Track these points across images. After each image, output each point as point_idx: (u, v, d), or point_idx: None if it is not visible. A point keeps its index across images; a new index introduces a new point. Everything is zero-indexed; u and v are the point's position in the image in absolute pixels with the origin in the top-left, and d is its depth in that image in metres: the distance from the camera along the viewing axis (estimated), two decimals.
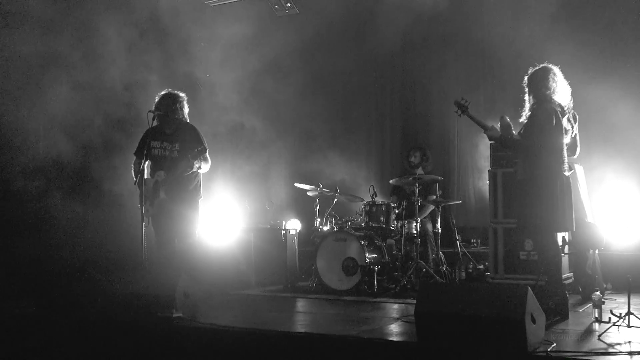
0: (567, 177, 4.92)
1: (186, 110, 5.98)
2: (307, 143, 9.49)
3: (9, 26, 6.91)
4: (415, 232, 6.77)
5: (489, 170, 6.46)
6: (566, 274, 5.85)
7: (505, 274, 6.17)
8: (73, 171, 7.57)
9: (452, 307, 3.76)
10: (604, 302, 4.64)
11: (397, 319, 4.95)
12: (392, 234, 6.97)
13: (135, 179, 5.74)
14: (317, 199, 7.38)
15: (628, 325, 4.32)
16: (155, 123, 5.79)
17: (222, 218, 8.52)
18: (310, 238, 7.51)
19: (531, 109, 5.05)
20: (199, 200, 5.92)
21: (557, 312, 4.77)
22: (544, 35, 7.15)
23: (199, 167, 5.76)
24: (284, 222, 7.99)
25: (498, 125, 5.12)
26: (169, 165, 5.73)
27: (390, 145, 9.19)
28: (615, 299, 5.73)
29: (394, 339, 4.27)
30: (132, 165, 5.94)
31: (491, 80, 8.42)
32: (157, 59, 7.73)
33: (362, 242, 6.54)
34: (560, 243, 5.05)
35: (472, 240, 7.73)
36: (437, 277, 6.62)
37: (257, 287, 7.21)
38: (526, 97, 5.14)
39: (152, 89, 6.63)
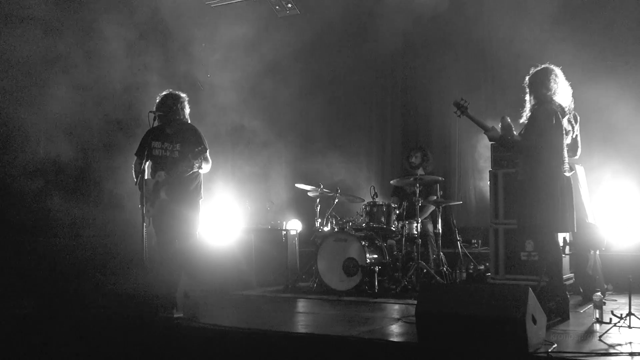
0: (568, 177, 4.92)
1: (187, 110, 5.98)
2: (308, 143, 9.50)
3: (10, 27, 6.91)
4: (416, 232, 6.77)
5: (489, 171, 6.46)
6: (567, 275, 5.85)
7: (506, 275, 6.16)
8: (74, 171, 7.58)
9: (452, 307, 3.76)
10: (604, 303, 4.63)
11: (397, 320, 4.95)
12: (393, 235, 6.97)
13: (136, 180, 5.74)
14: (318, 200, 7.38)
15: (629, 326, 4.32)
16: (156, 123, 5.78)
17: (223, 218, 8.52)
18: (310, 238, 7.51)
19: (531, 110, 5.05)
20: (200, 201, 5.91)
21: (558, 313, 4.77)
22: (544, 36, 7.15)
23: (200, 167, 5.76)
24: (284, 223, 8.00)
25: (499, 126, 5.12)
26: (170, 166, 5.73)
27: (390, 145, 9.20)
28: (616, 300, 5.72)
29: (395, 339, 4.27)
30: (133, 165, 5.94)
31: (491, 81, 8.42)
32: (158, 59, 7.74)
33: (363, 243, 6.53)
34: (561, 244, 5.05)
35: (472, 241, 7.73)
36: (438, 278, 6.62)
37: (258, 288, 7.21)
38: (527, 97, 5.14)
39: (153, 90, 6.64)
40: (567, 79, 5.11)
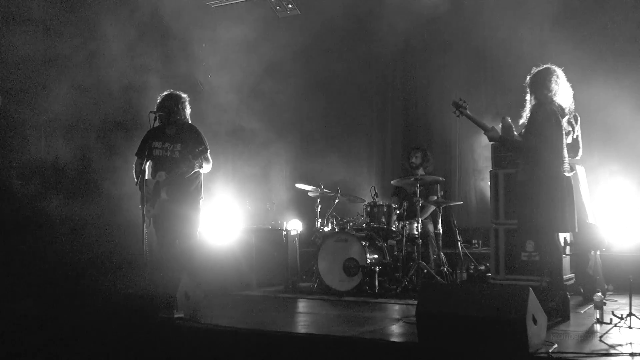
0: (568, 177, 4.92)
1: (188, 111, 5.98)
2: (309, 144, 9.51)
3: (10, 27, 6.92)
4: (416, 232, 6.77)
5: (490, 171, 6.45)
6: (567, 275, 5.85)
7: (507, 275, 6.16)
8: (74, 172, 7.58)
9: (453, 308, 3.76)
10: (605, 303, 4.63)
11: (398, 320, 4.95)
12: (394, 235, 6.97)
13: (136, 180, 5.75)
14: (318, 200, 7.38)
15: (629, 327, 4.32)
16: (157, 123, 5.79)
17: (223, 219, 8.52)
18: (311, 239, 7.51)
19: (531, 110, 5.05)
20: (200, 201, 5.92)
21: (559, 313, 4.77)
22: (544, 37, 7.16)
23: (200, 167, 5.76)
24: (285, 223, 7.99)
25: (499, 127, 5.12)
26: (170, 166, 5.73)
27: (391, 146, 9.19)
28: (616, 300, 5.72)
29: (395, 339, 4.27)
30: (134, 165, 5.95)
31: (491, 82, 8.41)
32: (158, 59, 7.74)
33: (363, 243, 6.53)
34: (561, 244, 5.04)
35: (473, 241, 7.72)
36: (439, 278, 6.62)
37: (258, 288, 7.21)
38: (527, 97, 5.14)
39: (153, 90, 6.64)
40: (567, 79, 5.11)
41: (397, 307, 5.71)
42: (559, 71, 5.07)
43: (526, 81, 5.16)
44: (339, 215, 7.26)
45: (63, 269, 6.61)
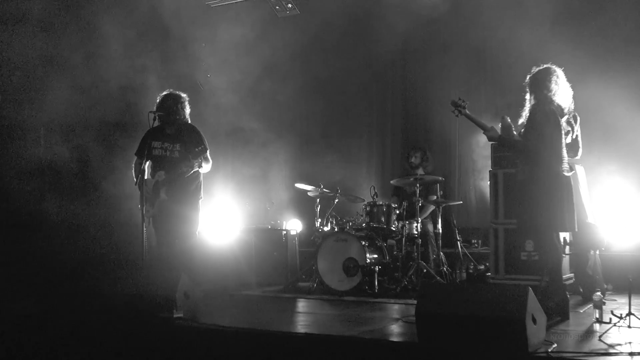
0: (568, 177, 4.92)
1: (187, 110, 5.98)
2: (308, 143, 9.51)
3: (9, 27, 6.91)
4: (416, 232, 6.77)
5: (489, 171, 6.45)
6: (567, 275, 5.85)
7: (506, 275, 6.16)
8: (73, 172, 7.57)
9: (453, 307, 3.76)
10: (604, 303, 4.63)
11: (397, 320, 4.95)
12: (393, 235, 6.97)
13: (135, 180, 5.75)
14: (318, 200, 7.38)
15: (629, 326, 4.32)
16: (156, 123, 5.80)
17: (223, 218, 8.52)
18: (311, 238, 7.51)
19: (530, 110, 5.05)
20: (200, 201, 5.92)
21: (558, 313, 4.77)
22: (543, 37, 7.15)
23: (200, 166, 5.76)
24: (284, 223, 8.00)
25: (499, 126, 5.12)
26: (170, 166, 5.74)
27: (390, 145, 9.19)
28: (615, 300, 5.72)
29: (395, 339, 4.28)
30: (133, 165, 5.95)
31: (491, 82, 8.41)
32: (158, 59, 7.74)
33: (363, 243, 6.53)
34: (561, 244, 5.05)
35: (472, 241, 7.72)
36: (438, 278, 6.62)
37: (258, 288, 7.21)
38: (527, 96, 5.14)
39: (153, 90, 6.64)
40: (566, 79, 5.11)
41: (396, 306, 5.71)
42: (559, 71, 5.07)
43: (526, 81, 5.16)
44: (339, 215, 7.26)
45: (62, 269, 6.61)
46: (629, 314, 4.38)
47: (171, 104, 5.86)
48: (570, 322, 4.69)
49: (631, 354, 3.62)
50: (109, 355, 4.55)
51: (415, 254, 6.65)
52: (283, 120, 9.43)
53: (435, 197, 7.13)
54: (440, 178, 7.10)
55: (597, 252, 5.95)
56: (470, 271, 6.85)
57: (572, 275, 6.06)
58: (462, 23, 8.27)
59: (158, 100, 5.92)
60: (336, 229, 7.01)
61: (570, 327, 4.52)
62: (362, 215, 7.07)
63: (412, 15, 7.84)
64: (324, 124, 9.42)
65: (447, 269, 6.84)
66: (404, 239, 6.80)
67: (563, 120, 5.03)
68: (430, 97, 8.56)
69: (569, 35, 7.06)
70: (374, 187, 7.18)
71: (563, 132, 5.00)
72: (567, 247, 5.53)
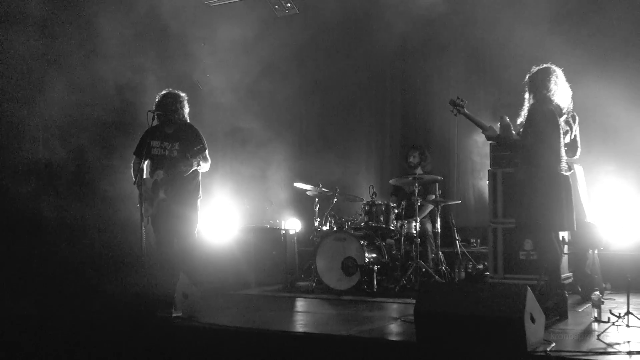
0: (566, 176, 4.92)
1: (186, 110, 5.98)
2: (307, 143, 9.51)
3: (7, 26, 6.90)
4: (414, 231, 6.77)
5: (488, 170, 6.46)
6: (565, 274, 5.86)
7: (505, 274, 6.17)
8: (71, 171, 7.57)
9: (451, 306, 3.76)
10: (603, 302, 4.64)
11: (396, 319, 4.95)
12: (392, 234, 6.97)
13: (134, 179, 5.74)
14: (317, 199, 7.38)
15: (627, 325, 4.33)
16: (155, 123, 5.79)
17: (222, 218, 8.52)
18: (309, 238, 7.51)
19: (529, 110, 5.05)
20: (199, 200, 5.92)
21: (557, 312, 4.77)
22: (542, 36, 7.15)
23: (198, 165, 5.76)
24: (283, 222, 7.99)
25: (497, 126, 5.12)
26: (169, 165, 5.73)
27: (389, 145, 9.19)
28: (614, 299, 5.73)
29: (394, 338, 4.27)
30: (132, 165, 5.94)
31: (490, 82, 8.41)
32: (157, 58, 7.73)
33: (362, 242, 6.54)
34: (560, 243, 5.05)
35: (471, 240, 7.73)
36: (437, 277, 6.63)
37: (257, 287, 7.21)
38: (526, 95, 5.14)
39: (152, 89, 6.63)
40: (565, 78, 5.11)
41: (395, 306, 5.71)
42: (558, 71, 5.07)
43: (525, 80, 5.16)
44: (338, 215, 7.26)
45: (61, 269, 6.60)
46: (628, 313, 4.38)
47: (170, 103, 5.85)
48: (568, 322, 4.69)
49: (629, 353, 3.62)
50: (108, 354, 4.55)
51: (414, 253, 6.65)
52: (282, 120, 9.42)
53: (434, 197, 7.13)
54: (439, 177, 7.11)
55: (596, 252, 5.95)
56: (469, 270, 6.85)
57: (570, 274, 6.07)
58: (461, 23, 8.27)
59: (157, 100, 5.92)
60: (335, 229, 7.01)
61: (569, 327, 4.52)
62: (360, 215, 7.07)
63: (410, 15, 7.84)
64: (323, 124, 9.42)
65: (445, 269, 6.84)
66: (402, 239, 6.80)
67: (562, 120, 5.03)
68: (428, 97, 8.57)
69: (568, 35, 7.07)
70: (372, 187, 7.18)
71: (562, 131, 5.00)
72: (566, 247, 5.53)
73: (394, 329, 4.58)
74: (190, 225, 5.82)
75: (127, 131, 7.06)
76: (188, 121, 5.98)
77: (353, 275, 6.49)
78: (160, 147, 5.84)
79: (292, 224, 8.08)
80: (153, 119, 5.74)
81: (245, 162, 9.25)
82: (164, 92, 5.96)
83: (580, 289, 5.89)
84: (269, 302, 6.23)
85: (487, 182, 6.49)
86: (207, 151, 5.79)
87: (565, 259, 5.84)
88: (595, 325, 4.47)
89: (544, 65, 5.12)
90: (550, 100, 4.96)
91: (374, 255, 6.61)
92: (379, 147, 9.27)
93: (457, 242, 7.18)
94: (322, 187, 7.32)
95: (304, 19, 9.09)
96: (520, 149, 5.02)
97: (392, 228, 6.88)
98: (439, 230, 6.93)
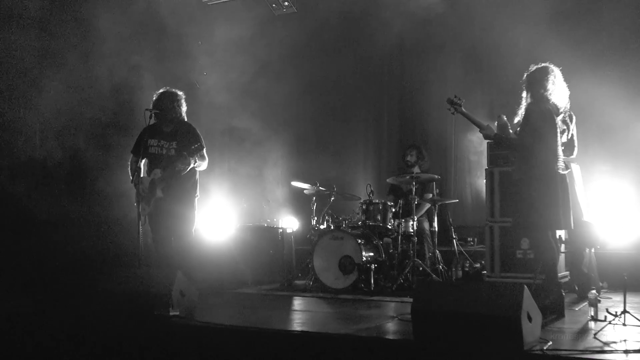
0: (563, 175, 4.93)
1: (184, 108, 5.98)
2: (304, 142, 9.50)
3: (4, 25, 6.88)
4: (412, 230, 6.77)
5: (485, 169, 6.46)
6: (562, 273, 5.87)
7: (502, 273, 6.17)
8: (68, 170, 7.55)
9: (448, 305, 3.76)
10: (599, 301, 4.65)
11: (393, 318, 4.95)
12: (389, 233, 6.97)
13: (132, 178, 5.74)
14: (314, 198, 7.38)
15: (624, 324, 4.33)
16: (152, 121, 5.79)
17: (219, 216, 8.52)
18: (307, 236, 7.51)
19: (526, 108, 5.05)
20: (196, 199, 5.92)
21: (553, 311, 4.78)
22: (539, 36, 7.16)
23: (196, 164, 5.76)
24: (280, 221, 8.00)
25: (494, 124, 5.12)
26: (166, 164, 5.73)
27: (387, 144, 9.20)
28: (611, 298, 5.75)
29: (391, 337, 4.28)
30: (129, 163, 5.94)
31: (487, 81, 8.42)
32: (154, 57, 7.72)
33: (359, 241, 6.54)
34: (557, 242, 5.06)
35: (468, 239, 7.74)
36: (434, 276, 6.63)
37: (254, 286, 7.21)
38: (523, 94, 5.15)
39: (149, 88, 6.62)
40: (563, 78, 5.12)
41: (392, 304, 5.72)
42: (556, 70, 5.07)
43: (523, 79, 5.16)
44: (335, 213, 7.26)
45: (58, 267, 6.59)
46: (624, 311, 4.38)
47: (167, 102, 5.85)
48: (565, 320, 4.70)
49: (626, 351, 3.63)
50: (105, 353, 4.55)
51: (411, 252, 6.66)
52: (279, 118, 9.42)
53: (431, 195, 7.14)
54: (436, 176, 7.11)
55: (593, 250, 5.97)
56: (466, 269, 6.86)
57: (567, 273, 6.08)
58: (458, 22, 8.27)
59: (154, 98, 5.91)
60: (332, 227, 7.01)
61: (566, 325, 4.53)
62: (358, 214, 7.07)
63: (408, 15, 7.84)
64: (320, 122, 9.42)
65: (442, 267, 6.85)
66: (399, 237, 6.81)
67: (559, 119, 5.04)
68: (426, 96, 8.57)
69: (565, 35, 7.08)
70: (370, 185, 7.18)
71: (559, 130, 5.01)
72: (563, 245, 5.54)
73: (391, 328, 4.58)
74: (187, 223, 5.81)
75: (124, 130, 7.05)
76: (185, 120, 5.98)
77: (350, 273, 6.49)
78: (157, 146, 5.83)
79: (290, 223, 8.08)
80: (150, 117, 5.73)
81: (243, 160, 9.24)
82: (161, 90, 5.96)
83: (577, 288, 5.91)
84: (266, 301, 6.23)
85: (484, 180, 6.50)
86: (204, 150, 5.78)
87: (562, 257, 5.86)
88: (591, 324, 4.48)
89: (542, 64, 5.12)
90: (548, 100, 4.97)
91: (371, 254, 6.61)
92: (376, 145, 9.28)
93: (454, 240, 7.19)
94: (320, 185, 7.32)
95: (302, 17, 9.08)
96: (518, 147, 5.03)
97: (390, 227, 6.89)
98: (436, 229, 6.94)
